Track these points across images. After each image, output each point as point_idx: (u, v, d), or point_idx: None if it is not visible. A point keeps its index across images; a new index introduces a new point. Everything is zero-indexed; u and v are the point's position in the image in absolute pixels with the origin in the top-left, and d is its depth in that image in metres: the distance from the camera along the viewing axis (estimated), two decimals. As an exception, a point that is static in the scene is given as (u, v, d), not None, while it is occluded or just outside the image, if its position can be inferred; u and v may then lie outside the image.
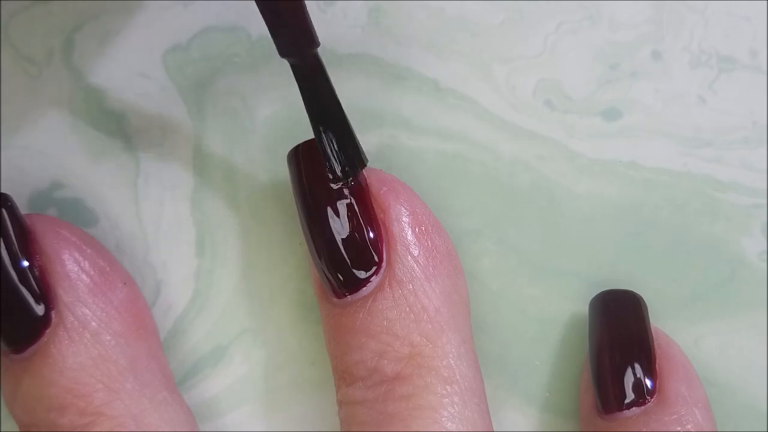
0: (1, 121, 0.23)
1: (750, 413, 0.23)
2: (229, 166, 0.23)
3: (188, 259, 0.23)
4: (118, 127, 0.23)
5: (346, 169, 0.21)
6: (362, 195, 0.21)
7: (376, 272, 0.21)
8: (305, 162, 0.21)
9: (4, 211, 0.20)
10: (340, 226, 0.21)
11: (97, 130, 0.23)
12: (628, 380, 0.21)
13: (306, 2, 0.18)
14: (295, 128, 0.23)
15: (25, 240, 0.21)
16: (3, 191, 0.22)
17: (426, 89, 0.23)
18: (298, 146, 0.21)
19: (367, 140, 0.23)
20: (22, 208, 0.22)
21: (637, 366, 0.22)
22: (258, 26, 0.23)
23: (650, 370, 0.22)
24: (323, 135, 0.20)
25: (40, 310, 0.20)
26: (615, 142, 0.24)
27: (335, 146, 0.20)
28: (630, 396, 0.21)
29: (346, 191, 0.21)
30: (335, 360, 0.21)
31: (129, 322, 0.21)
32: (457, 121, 0.23)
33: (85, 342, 0.20)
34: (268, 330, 0.23)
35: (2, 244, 0.20)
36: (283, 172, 0.23)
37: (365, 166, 0.21)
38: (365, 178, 0.21)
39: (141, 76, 0.23)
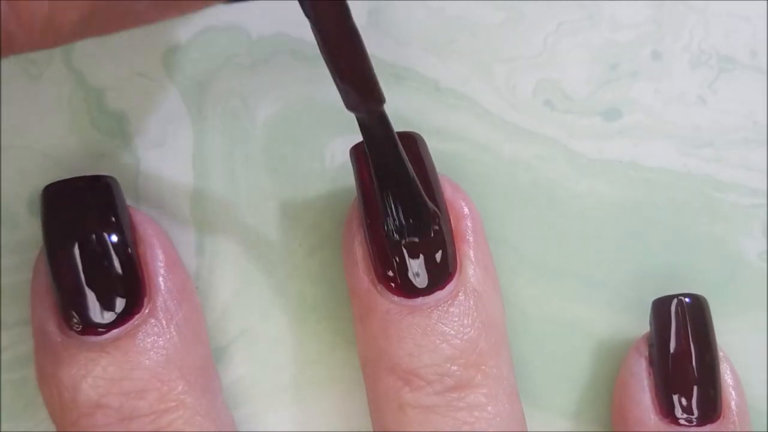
0: (1, 121, 0.23)
1: (750, 413, 0.23)
2: (229, 166, 0.23)
3: (188, 259, 0.23)
4: (118, 127, 0.23)
5: (411, 229, 0.20)
6: (439, 200, 0.21)
7: (452, 276, 0.21)
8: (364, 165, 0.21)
9: (111, 186, 0.21)
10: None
11: (97, 130, 0.23)
12: (708, 395, 0.22)
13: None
14: (295, 128, 0.23)
15: (126, 222, 0.21)
16: (3, 191, 0.22)
17: (426, 89, 0.23)
18: (359, 144, 0.21)
19: (367, 140, 0.23)
20: (22, 208, 0.22)
21: (715, 381, 0.22)
22: (258, 26, 0.23)
23: (719, 385, 0.22)
24: (386, 194, 0.20)
25: (135, 294, 0.21)
26: (615, 142, 0.24)
27: (400, 205, 0.20)
28: (709, 412, 0.22)
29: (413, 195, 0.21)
30: (395, 359, 0.21)
31: (201, 324, 0.22)
32: (457, 121, 0.23)
33: (171, 332, 0.21)
34: (268, 330, 0.23)
35: (102, 224, 0.21)
36: (282, 171, 0.23)
37: (436, 224, 0.20)
38: (439, 181, 0.21)
39: (141, 76, 0.23)
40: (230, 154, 0.23)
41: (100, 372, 0.20)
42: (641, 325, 0.23)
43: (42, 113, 0.23)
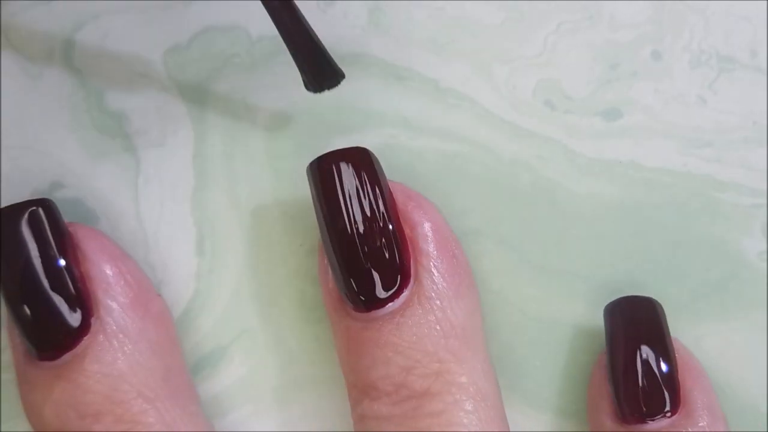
0: (1, 121, 0.23)
1: (750, 413, 0.23)
2: (229, 166, 0.23)
3: (188, 259, 0.23)
4: (118, 127, 0.23)
5: (322, 81, 0.20)
6: (390, 211, 0.21)
7: (404, 288, 0.21)
8: (325, 179, 0.21)
9: (41, 212, 0.20)
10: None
11: (97, 130, 0.23)
12: (655, 391, 0.21)
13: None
14: (295, 128, 0.23)
15: (65, 243, 0.21)
16: (3, 191, 0.22)
17: (426, 89, 0.23)
18: (315, 162, 0.21)
19: (367, 140, 0.23)
20: (22, 208, 0.22)
21: (663, 377, 0.21)
22: (258, 26, 0.23)
23: (675, 381, 0.22)
24: (296, 53, 0.20)
25: (76, 317, 0.20)
26: (615, 142, 0.24)
27: (308, 61, 0.20)
28: (657, 408, 0.21)
29: (368, 207, 0.21)
30: (356, 374, 0.21)
31: (163, 333, 0.21)
32: (457, 121, 0.23)
33: (124, 349, 0.20)
34: (268, 330, 0.23)
35: (37, 248, 0.20)
36: (282, 171, 0.23)
37: (341, 75, 0.20)
38: (392, 193, 0.21)
39: (141, 76, 0.23)
40: (230, 154, 0.23)
41: (57, 397, 0.20)
42: (641, 325, 0.23)
43: (42, 113, 0.23)
